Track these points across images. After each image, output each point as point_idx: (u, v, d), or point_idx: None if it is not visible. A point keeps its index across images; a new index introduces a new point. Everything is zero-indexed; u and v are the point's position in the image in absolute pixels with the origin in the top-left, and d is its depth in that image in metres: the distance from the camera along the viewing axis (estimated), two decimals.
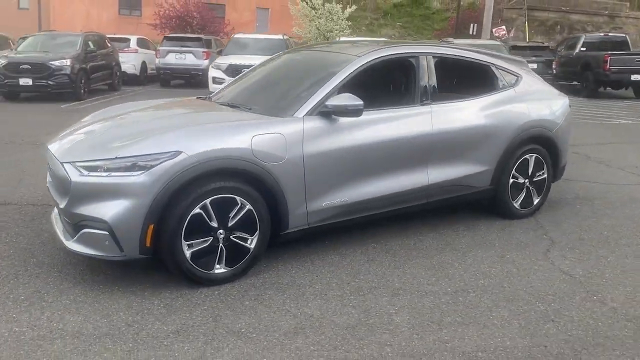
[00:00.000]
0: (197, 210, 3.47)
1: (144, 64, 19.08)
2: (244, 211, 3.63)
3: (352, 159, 4.05)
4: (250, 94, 4.57)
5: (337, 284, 3.73)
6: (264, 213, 3.73)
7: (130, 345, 2.95)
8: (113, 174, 3.36)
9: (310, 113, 3.91)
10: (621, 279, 3.90)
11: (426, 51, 4.55)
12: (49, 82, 13.22)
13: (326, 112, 3.92)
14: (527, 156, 5.02)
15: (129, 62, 18.21)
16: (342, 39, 14.59)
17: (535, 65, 17.72)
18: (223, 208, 3.57)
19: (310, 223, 3.99)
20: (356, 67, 4.17)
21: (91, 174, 3.41)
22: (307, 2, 29.13)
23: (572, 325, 3.24)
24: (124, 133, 3.70)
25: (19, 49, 14.49)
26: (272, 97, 4.31)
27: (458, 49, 4.95)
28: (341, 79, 4.08)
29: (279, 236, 3.90)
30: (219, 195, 3.53)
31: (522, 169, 5.03)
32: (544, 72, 17.85)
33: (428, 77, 4.47)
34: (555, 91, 5.52)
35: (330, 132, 3.96)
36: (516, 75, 5.09)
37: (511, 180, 4.98)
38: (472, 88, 4.88)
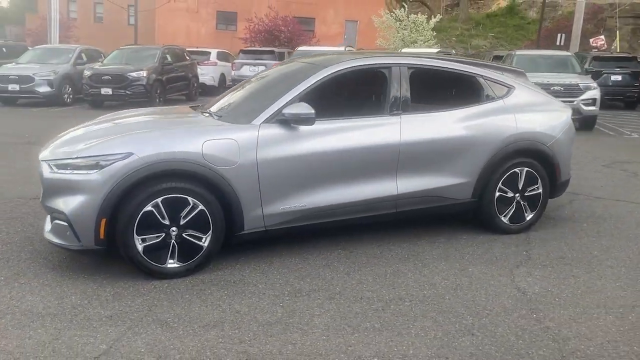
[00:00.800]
0: (149, 207, 3.77)
1: (222, 75, 20.12)
2: (196, 211, 3.88)
3: (311, 166, 4.18)
4: (232, 103, 4.82)
5: (280, 285, 3.87)
6: (218, 214, 3.96)
7: (65, 324, 3.29)
8: (75, 171, 3.76)
9: (268, 121, 4.10)
10: (577, 299, 3.71)
11: (401, 62, 4.58)
12: (127, 91, 14.39)
13: (284, 120, 4.10)
14: (516, 169, 4.87)
15: (208, 74, 19.30)
16: (404, 50, 14.53)
17: (619, 77, 16.68)
18: (175, 207, 3.84)
19: (268, 226, 4.17)
20: (321, 77, 4.30)
21: (59, 171, 3.83)
22: (391, 14, 29.31)
23: (489, 340, 3.17)
24: (94, 135, 4.09)
25: (105, 61, 15.89)
26: (243, 105, 4.54)
27: (441, 59, 4.91)
28: (303, 89, 4.23)
29: (234, 237, 4.11)
30: (170, 195, 3.81)
31: (511, 183, 4.88)
32: (629, 84, 16.76)
33: (400, 87, 4.50)
34: (558, 104, 5.30)
35: (290, 140, 4.12)
36: (508, 87, 4.95)
37: (497, 194, 4.85)
38: (453, 99, 4.84)
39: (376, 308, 3.55)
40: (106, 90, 14.41)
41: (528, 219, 5.02)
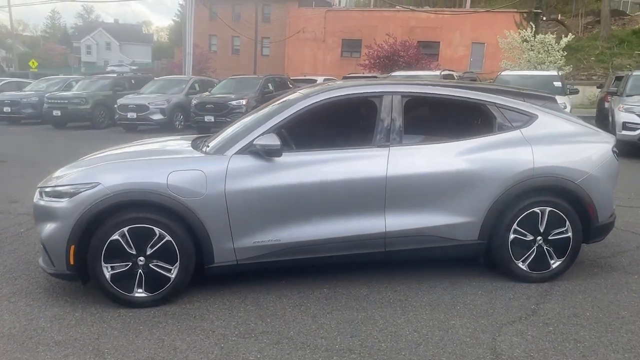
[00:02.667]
0: (115, 236, 3.84)
1: None
2: (163, 242, 3.88)
3: (287, 199, 4.00)
4: (224, 133, 4.70)
5: (236, 324, 3.70)
6: (185, 245, 3.92)
7: (15, 347, 3.41)
8: (53, 199, 3.96)
9: (241, 152, 4.02)
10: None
11: (394, 90, 4.24)
12: (227, 118, 15.11)
13: (256, 152, 3.99)
14: (536, 209, 4.25)
15: None
16: (505, 73, 13.62)
17: None
18: (141, 237, 3.87)
19: (240, 259, 4.04)
20: (300, 108, 4.14)
21: (45, 198, 4.05)
22: (517, 34, 27.96)
23: None
24: (81, 165, 4.28)
25: (212, 90, 16.93)
26: (229, 136, 4.44)
27: (446, 86, 4.46)
28: (280, 120, 4.10)
29: (205, 269, 4.05)
30: (136, 225, 3.85)
31: (530, 224, 4.27)
32: None
33: (391, 118, 4.17)
34: (596, 135, 4.55)
35: (264, 171, 3.99)
36: (528, 115, 4.37)
37: (512, 236, 4.26)
38: (456, 130, 4.35)
39: (316, 358, 3.26)
40: (209, 118, 15.32)
41: (554, 266, 4.35)
